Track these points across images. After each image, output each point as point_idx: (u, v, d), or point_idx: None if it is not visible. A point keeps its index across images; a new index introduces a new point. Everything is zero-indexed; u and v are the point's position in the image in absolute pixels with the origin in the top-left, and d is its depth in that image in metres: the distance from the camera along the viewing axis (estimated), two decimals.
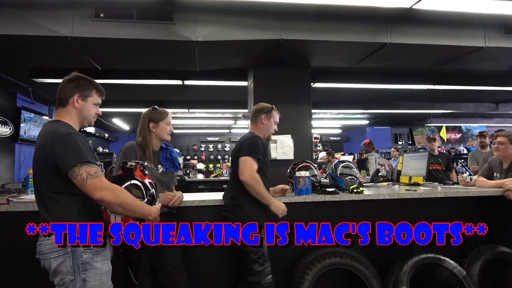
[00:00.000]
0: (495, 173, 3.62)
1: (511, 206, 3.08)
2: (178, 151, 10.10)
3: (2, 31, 3.27)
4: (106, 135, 11.14)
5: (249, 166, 2.49)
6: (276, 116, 2.81)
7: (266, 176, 2.63)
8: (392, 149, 8.80)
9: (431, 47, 3.93)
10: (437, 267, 2.79)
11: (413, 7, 3.38)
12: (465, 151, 11.53)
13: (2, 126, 5.83)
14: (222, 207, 2.70)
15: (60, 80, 1.89)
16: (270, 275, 2.51)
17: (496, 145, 3.53)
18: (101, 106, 1.98)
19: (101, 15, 3.36)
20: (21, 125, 6.25)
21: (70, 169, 1.64)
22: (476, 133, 6.49)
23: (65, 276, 1.67)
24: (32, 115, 6.65)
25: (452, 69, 5.04)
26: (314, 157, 6.43)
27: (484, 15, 3.63)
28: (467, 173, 5.99)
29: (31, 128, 6.51)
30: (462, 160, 10.49)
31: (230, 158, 2.80)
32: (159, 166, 2.50)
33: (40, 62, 4.60)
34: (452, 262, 2.78)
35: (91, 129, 9.48)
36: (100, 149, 10.23)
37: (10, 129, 5.97)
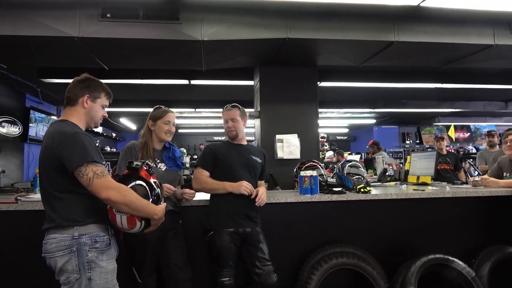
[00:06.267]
0: (504, 173, 3.56)
1: None
2: (184, 150, 10.12)
3: (10, 32, 3.30)
4: (114, 134, 11.22)
5: (195, 177, 2.60)
6: (223, 114, 2.70)
7: (226, 179, 2.54)
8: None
9: (439, 45, 3.89)
10: (445, 267, 2.75)
11: (421, 4, 3.35)
12: (474, 150, 11.42)
13: (11, 126, 5.89)
14: None
15: (67, 80, 1.92)
16: (223, 279, 2.45)
17: (508, 144, 3.48)
18: (108, 105, 2.00)
19: (108, 15, 3.37)
20: (31, 125, 6.32)
21: (77, 169, 1.64)
22: (485, 132, 6.39)
23: (71, 274, 1.67)
24: (43, 115, 6.72)
25: (460, 67, 4.98)
26: (320, 156, 6.41)
27: (493, 12, 3.58)
28: (476, 173, 5.93)
29: (42, 129, 6.58)
30: (471, 160, 10.38)
31: None
32: (162, 164, 2.50)
33: (47, 62, 4.64)
34: (461, 263, 2.74)
35: (99, 129, 9.56)
36: (108, 149, 10.30)
37: (19, 129, 6.03)
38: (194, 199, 2.71)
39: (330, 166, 7.09)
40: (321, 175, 3.26)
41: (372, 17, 3.66)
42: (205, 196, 2.77)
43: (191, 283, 2.48)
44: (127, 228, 1.76)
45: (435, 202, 3.11)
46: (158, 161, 2.49)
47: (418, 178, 4.07)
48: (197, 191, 2.61)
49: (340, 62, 4.54)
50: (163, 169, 2.49)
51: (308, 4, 3.35)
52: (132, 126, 10.88)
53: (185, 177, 5.42)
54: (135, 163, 1.83)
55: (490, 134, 5.68)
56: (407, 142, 11.77)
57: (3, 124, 5.74)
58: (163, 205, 1.86)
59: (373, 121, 10.91)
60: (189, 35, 3.51)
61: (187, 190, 2.59)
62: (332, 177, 3.80)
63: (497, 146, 5.63)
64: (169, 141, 2.56)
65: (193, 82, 5.54)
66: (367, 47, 3.96)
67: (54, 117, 7.11)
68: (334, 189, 3.11)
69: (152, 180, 1.83)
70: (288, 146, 4.42)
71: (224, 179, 2.54)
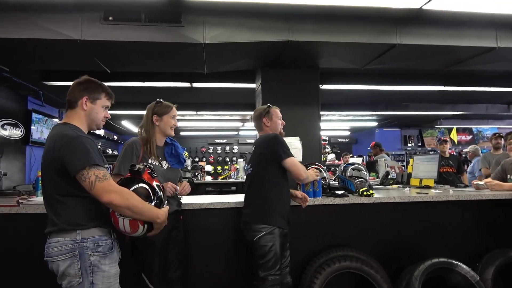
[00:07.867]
0: (508, 175, 3.55)
1: None
2: (186, 154, 10.09)
3: (13, 35, 3.30)
4: (115, 137, 11.22)
5: (300, 166, 2.62)
6: (276, 112, 2.76)
7: (280, 178, 2.60)
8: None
9: (441, 48, 3.88)
10: (449, 271, 2.73)
11: (423, 7, 3.34)
12: None
13: (13, 128, 5.89)
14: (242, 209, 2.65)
15: (69, 83, 1.90)
16: (275, 285, 2.43)
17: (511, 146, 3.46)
18: (110, 108, 1.98)
19: (110, 18, 3.37)
20: (32, 127, 6.32)
21: (79, 172, 1.63)
22: (487, 135, 6.35)
23: (73, 278, 1.66)
24: (43, 117, 6.71)
25: (463, 70, 4.97)
26: (322, 159, 6.40)
27: (496, 15, 3.57)
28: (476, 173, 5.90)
29: (43, 131, 6.57)
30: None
31: (249, 159, 2.73)
32: (164, 162, 2.44)
33: (50, 65, 4.64)
34: (465, 266, 2.72)
35: (100, 132, 9.56)
36: (110, 151, 10.30)
37: (21, 131, 6.04)
38: (196, 202, 2.70)
39: (332, 168, 7.07)
40: (323, 178, 3.24)
41: (374, 19, 3.66)
42: (208, 199, 2.76)
43: (181, 282, 2.49)
44: (130, 232, 1.75)
45: (438, 205, 3.10)
46: (160, 158, 2.42)
47: (421, 181, 4.05)
48: (301, 180, 2.68)
49: (342, 65, 4.54)
50: (165, 167, 2.43)
51: (310, 6, 3.35)
52: (134, 129, 10.87)
53: (186, 179, 5.42)
54: (137, 166, 1.83)
55: (498, 136, 5.55)
56: (409, 144, 11.74)
57: (5, 126, 5.74)
58: (165, 208, 1.85)
59: (375, 123, 10.88)
60: (191, 38, 3.50)
61: (171, 184, 2.38)
62: (334, 180, 3.79)
63: (501, 149, 5.57)
64: (173, 135, 2.52)
65: (195, 85, 5.53)
66: (369, 49, 3.95)
67: (56, 120, 7.10)
68: (337, 192, 3.10)
69: (154, 184, 1.82)
70: (290, 148, 4.38)
71: (279, 177, 2.59)
